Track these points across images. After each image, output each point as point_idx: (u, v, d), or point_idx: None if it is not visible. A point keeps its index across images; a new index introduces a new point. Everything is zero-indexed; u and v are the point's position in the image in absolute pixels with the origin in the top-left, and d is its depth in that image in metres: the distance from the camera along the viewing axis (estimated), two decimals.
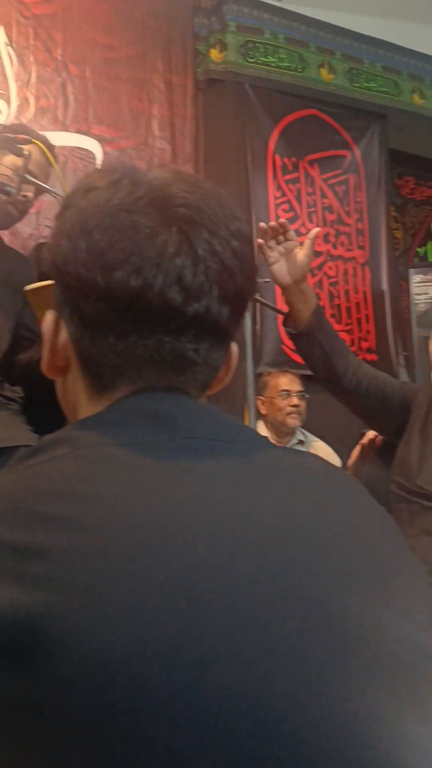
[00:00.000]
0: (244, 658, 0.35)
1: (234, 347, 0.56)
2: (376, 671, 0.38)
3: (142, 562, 0.37)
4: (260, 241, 1.63)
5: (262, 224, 1.64)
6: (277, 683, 0.35)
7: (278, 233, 1.63)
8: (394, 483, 1.82)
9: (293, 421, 2.59)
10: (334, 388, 1.82)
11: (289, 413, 2.59)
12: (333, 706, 0.36)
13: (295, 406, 2.60)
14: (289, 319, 1.73)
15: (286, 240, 1.64)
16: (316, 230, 1.69)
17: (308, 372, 3.09)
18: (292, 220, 3.20)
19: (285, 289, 1.67)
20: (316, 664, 0.37)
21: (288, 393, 2.61)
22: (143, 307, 0.47)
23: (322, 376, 1.81)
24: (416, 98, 3.72)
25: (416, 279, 3.58)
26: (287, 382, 2.65)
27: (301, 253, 1.63)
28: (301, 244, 1.65)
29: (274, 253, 1.64)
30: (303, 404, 2.62)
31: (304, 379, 2.67)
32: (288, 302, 1.70)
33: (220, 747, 0.33)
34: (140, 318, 0.48)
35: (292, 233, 1.64)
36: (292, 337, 1.76)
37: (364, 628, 0.39)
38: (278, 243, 1.64)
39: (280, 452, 0.51)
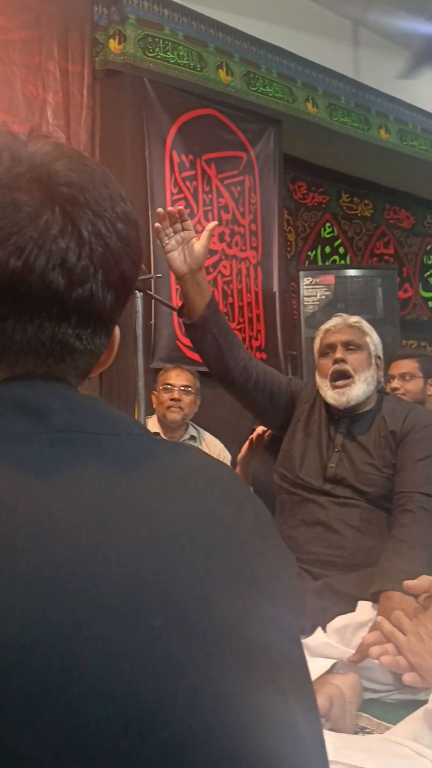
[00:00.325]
0: (110, 657, 0.35)
1: (117, 331, 0.54)
2: (243, 660, 0.38)
3: (7, 559, 0.36)
4: (158, 225, 1.64)
5: (159, 209, 1.64)
6: (144, 683, 0.35)
7: (175, 220, 1.64)
8: (277, 475, 1.89)
9: (173, 415, 2.57)
10: (225, 381, 1.86)
11: (169, 407, 2.58)
12: (202, 703, 0.36)
13: (174, 399, 2.58)
14: (184, 309, 1.74)
15: (184, 230, 1.66)
16: (213, 223, 1.72)
17: (204, 369, 3.15)
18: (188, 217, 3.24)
19: (180, 279, 1.68)
20: (184, 660, 0.36)
21: (170, 387, 2.61)
22: (23, 290, 0.45)
23: (214, 368, 1.85)
24: (309, 107, 3.86)
25: (306, 281, 3.71)
26: (172, 376, 2.64)
27: (198, 244, 1.65)
28: (199, 234, 1.68)
29: (172, 242, 1.65)
30: (187, 399, 2.61)
31: (200, 376, 2.70)
32: (183, 292, 1.71)
33: (82, 748, 0.32)
34: (20, 301, 0.45)
35: (189, 223, 1.66)
36: (186, 327, 1.78)
37: (232, 620, 0.39)
38: (176, 232, 1.66)
39: (161, 447, 0.48)
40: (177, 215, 1.65)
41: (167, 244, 1.65)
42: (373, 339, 1.90)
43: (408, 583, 0.93)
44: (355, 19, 4.13)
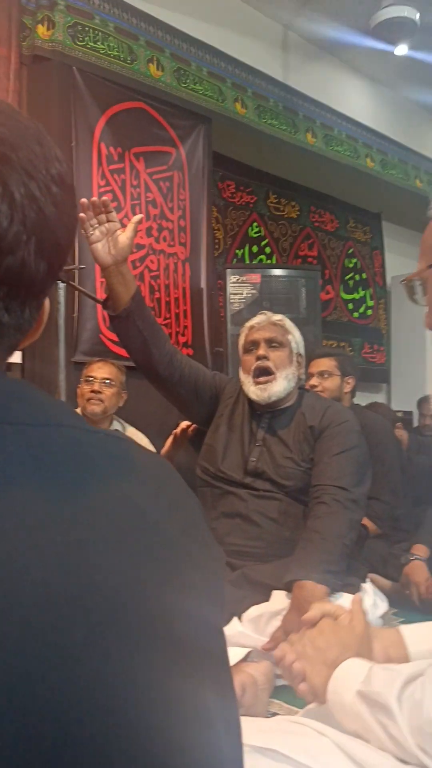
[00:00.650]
0: (25, 677, 0.32)
1: (47, 303, 0.50)
2: (168, 660, 0.37)
3: None
4: (82, 215, 1.62)
5: (83, 200, 1.63)
6: (60, 700, 0.32)
7: (100, 211, 1.63)
8: (200, 468, 1.91)
9: (92, 408, 2.54)
10: (151, 374, 1.86)
11: (89, 399, 2.55)
12: (124, 713, 0.34)
13: (95, 392, 2.55)
14: (108, 301, 1.73)
15: (108, 221, 1.65)
16: (139, 216, 1.72)
17: (131, 363, 3.13)
18: (115, 211, 3.20)
19: (105, 270, 1.67)
20: (105, 673, 0.34)
21: (91, 379, 2.59)
22: None
23: (140, 361, 1.85)
24: (239, 107, 3.90)
25: (232, 279, 3.75)
26: (94, 368, 2.62)
27: (123, 236, 1.65)
28: (124, 226, 1.67)
29: (96, 233, 1.64)
30: (108, 391, 2.58)
31: (127, 371, 2.68)
32: (108, 284, 1.70)
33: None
34: None
35: (113, 214, 1.65)
36: (111, 319, 1.77)
37: (158, 621, 0.37)
38: (100, 223, 1.64)
39: (93, 440, 0.44)
40: (101, 206, 1.64)
41: (92, 234, 1.64)
42: (295, 337, 1.95)
43: (305, 617, 0.99)
44: (285, 23, 4.20)
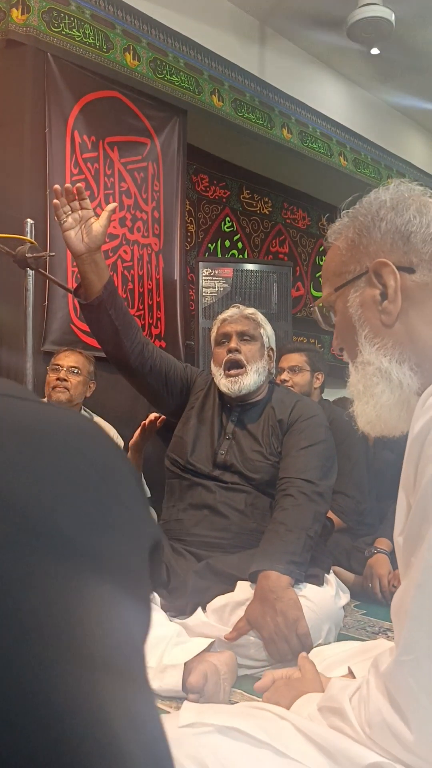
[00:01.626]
0: None
1: None
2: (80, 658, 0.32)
3: None
4: (56, 202, 1.61)
5: (56, 186, 1.62)
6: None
7: (73, 198, 1.62)
8: (168, 459, 1.92)
9: (57, 395, 2.52)
10: (121, 365, 1.86)
11: (54, 387, 2.53)
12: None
13: (60, 380, 2.54)
14: (80, 289, 1.72)
15: (82, 208, 1.64)
16: (113, 204, 1.70)
17: (101, 354, 3.12)
18: (89, 200, 3.18)
19: (78, 258, 1.66)
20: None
21: (57, 367, 2.57)
22: None
23: (110, 351, 1.84)
24: (215, 100, 3.89)
25: (205, 272, 3.75)
26: (61, 357, 2.60)
27: (97, 224, 1.64)
28: (98, 216, 1.66)
29: (69, 220, 1.63)
30: (74, 380, 2.57)
31: (96, 361, 2.67)
32: (81, 272, 1.69)
33: None
34: None
35: (87, 202, 1.64)
36: (82, 308, 1.76)
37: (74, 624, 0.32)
38: (73, 210, 1.63)
39: (23, 408, 0.37)
40: (75, 193, 1.63)
41: (65, 222, 1.63)
42: (267, 331, 1.97)
43: (257, 685, 1.09)
44: (263, 18, 4.20)
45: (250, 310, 1.98)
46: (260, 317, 1.98)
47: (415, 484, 0.74)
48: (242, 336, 1.91)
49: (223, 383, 1.87)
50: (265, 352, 1.94)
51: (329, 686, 0.86)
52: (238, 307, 2.00)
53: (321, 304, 0.96)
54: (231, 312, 1.98)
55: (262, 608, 1.48)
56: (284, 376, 2.82)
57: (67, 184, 1.64)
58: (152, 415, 2.27)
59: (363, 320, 0.86)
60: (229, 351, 1.88)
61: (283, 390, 2.05)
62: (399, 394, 0.83)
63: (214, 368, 1.93)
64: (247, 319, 1.94)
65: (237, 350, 1.88)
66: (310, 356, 2.86)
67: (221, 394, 1.93)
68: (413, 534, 0.72)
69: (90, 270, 1.67)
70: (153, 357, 1.88)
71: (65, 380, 2.54)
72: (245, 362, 1.87)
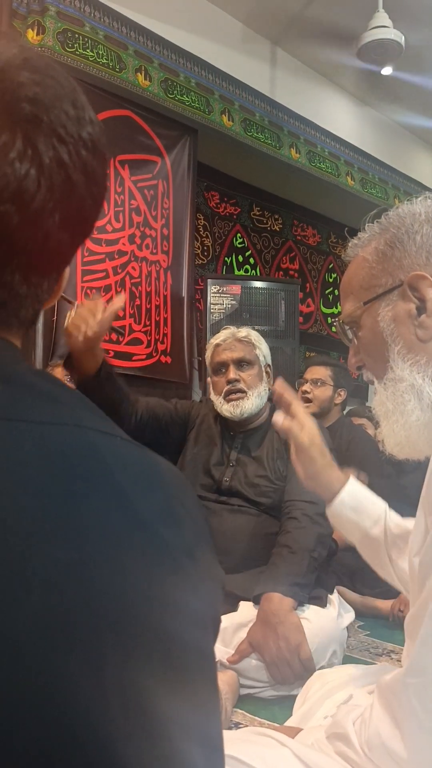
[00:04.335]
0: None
1: (67, 271, 0.47)
2: (158, 669, 0.35)
3: None
4: (72, 325, 1.52)
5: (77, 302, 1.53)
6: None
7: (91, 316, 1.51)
8: None
9: None
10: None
11: None
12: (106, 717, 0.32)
13: None
14: (74, 370, 1.59)
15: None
16: (121, 301, 1.58)
17: None
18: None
19: (75, 352, 1.54)
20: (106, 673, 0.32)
21: None
22: None
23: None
24: (225, 119, 3.93)
25: (213, 289, 3.77)
26: (57, 373, 2.62)
27: (100, 324, 1.50)
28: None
29: (75, 324, 1.52)
30: None
31: None
32: (75, 359, 1.56)
33: None
34: None
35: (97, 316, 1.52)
36: (75, 382, 1.62)
37: (151, 635, 0.35)
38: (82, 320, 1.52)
39: (108, 444, 0.39)
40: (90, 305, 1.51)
41: (70, 325, 1.52)
42: (263, 350, 1.94)
43: None
44: (273, 39, 4.26)
45: (243, 333, 1.93)
46: (254, 337, 1.94)
47: None
48: (239, 363, 1.88)
49: (225, 408, 1.86)
50: (263, 372, 1.93)
51: (336, 712, 0.86)
52: (230, 329, 1.96)
53: (343, 320, 0.91)
54: (224, 336, 1.93)
55: (264, 631, 1.48)
56: (306, 387, 2.80)
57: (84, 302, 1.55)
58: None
59: (396, 335, 0.82)
60: (229, 382, 1.87)
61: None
62: (429, 414, 0.80)
63: (214, 397, 1.92)
64: (241, 342, 1.90)
65: (237, 380, 1.87)
66: (335, 372, 2.85)
67: (223, 421, 1.93)
68: (430, 557, 0.72)
69: (87, 359, 1.55)
70: (142, 410, 1.84)
71: None
72: (246, 389, 1.86)
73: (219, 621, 0.44)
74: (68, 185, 0.41)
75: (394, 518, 1.06)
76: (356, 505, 1.07)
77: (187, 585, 0.38)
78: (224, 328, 1.99)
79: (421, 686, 0.68)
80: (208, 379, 2.01)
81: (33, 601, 0.31)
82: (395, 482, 2.98)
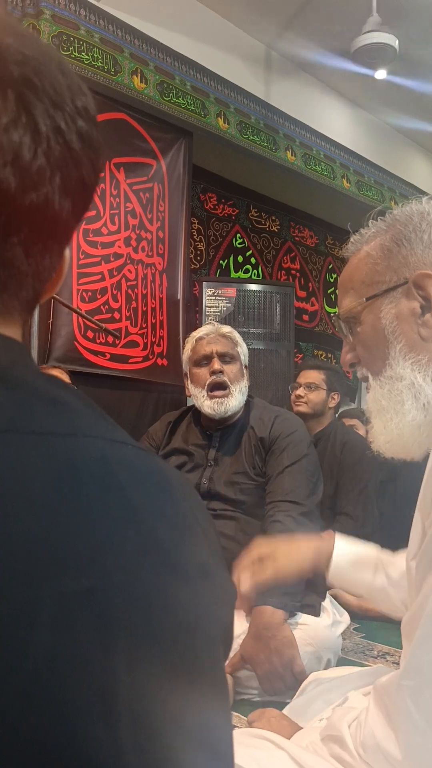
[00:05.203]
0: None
1: (67, 253, 0.45)
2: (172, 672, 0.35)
3: None
4: None
5: None
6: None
7: None
8: None
9: None
10: None
11: None
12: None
13: None
14: None
15: None
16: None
17: (100, 371, 3.13)
18: (94, 219, 3.22)
19: None
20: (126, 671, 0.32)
21: None
22: None
23: None
24: (221, 122, 3.94)
25: (208, 292, 3.78)
26: None
27: None
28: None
29: None
30: None
31: (101, 378, 2.67)
32: None
33: None
34: None
35: None
36: None
37: (164, 651, 0.34)
38: None
39: (120, 455, 0.38)
40: None
41: None
42: (243, 349, 1.94)
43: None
44: (268, 43, 4.27)
45: (226, 329, 1.94)
46: (236, 335, 1.94)
47: None
48: (223, 357, 1.87)
49: (207, 405, 1.84)
50: (244, 371, 1.92)
51: (332, 714, 0.87)
52: (214, 325, 1.96)
53: (341, 315, 0.90)
54: (206, 330, 1.93)
55: (256, 645, 1.46)
56: (299, 392, 2.81)
57: None
58: None
59: (398, 333, 0.82)
60: (213, 373, 1.84)
61: (260, 405, 2.00)
62: (425, 414, 0.79)
63: (195, 389, 1.89)
64: (225, 338, 1.90)
65: (221, 372, 1.85)
66: (329, 375, 2.85)
67: (198, 421, 1.92)
68: (427, 560, 0.72)
69: None
70: None
71: None
72: (229, 383, 1.85)
73: (231, 637, 0.42)
74: (66, 152, 0.39)
75: (387, 561, 1.05)
76: (351, 562, 1.07)
77: (200, 605, 0.37)
78: (207, 324, 1.99)
79: (417, 688, 0.69)
80: (185, 372, 1.98)
81: (41, 637, 0.29)
82: (389, 486, 2.98)
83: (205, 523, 0.42)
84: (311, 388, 2.81)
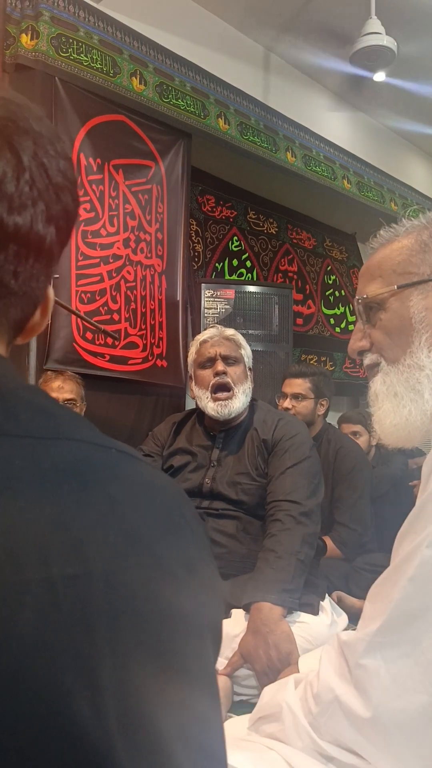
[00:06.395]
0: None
1: (50, 292, 0.50)
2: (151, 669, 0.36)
3: None
4: None
5: None
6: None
7: None
8: None
9: None
10: None
11: None
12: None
13: None
14: None
15: None
16: None
17: (98, 372, 3.13)
18: (93, 221, 3.22)
19: None
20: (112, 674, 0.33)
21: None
22: None
23: None
24: (221, 123, 3.94)
25: (207, 293, 3.78)
26: (54, 388, 2.54)
27: None
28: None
29: None
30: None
31: (101, 380, 2.66)
32: None
33: None
34: None
35: None
36: None
37: (149, 649, 0.36)
38: None
39: (103, 458, 0.39)
40: None
41: None
42: (247, 352, 1.97)
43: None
44: (267, 45, 4.27)
45: (230, 331, 1.96)
46: (240, 338, 1.96)
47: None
48: (227, 359, 1.89)
49: (211, 407, 1.86)
50: (248, 373, 1.94)
51: (260, 698, 0.89)
52: (217, 328, 1.98)
53: (367, 299, 0.92)
54: (211, 333, 1.95)
55: (254, 641, 1.47)
56: (287, 404, 2.74)
57: None
58: None
59: (426, 324, 0.86)
60: (217, 374, 1.86)
61: (264, 408, 2.02)
62: None
63: (199, 391, 1.91)
64: (229, 340, 1.93)
65: (224, 373, 1.87)
66: (315, 382, 2.76)
67: (202, 422, 1.93)
68: (410, 527, 0.73)
69: None
70: (167, 471, 1.89)
71: None
72: (233, 385, 1.87)
73: (219, 633, 0.44)
74: (48, 184, 0.44)
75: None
76: None
77: (184, 598, 0.39)
78: (210, 326, 2.00)
79: (390, 646, 0.70)
80: (190, 374, 2.00)
81: (27, 619, 0.31)
82: (385, 492, 2.97)
83: (194, 521, 0.43)
84: (298, 398, 2.74)
